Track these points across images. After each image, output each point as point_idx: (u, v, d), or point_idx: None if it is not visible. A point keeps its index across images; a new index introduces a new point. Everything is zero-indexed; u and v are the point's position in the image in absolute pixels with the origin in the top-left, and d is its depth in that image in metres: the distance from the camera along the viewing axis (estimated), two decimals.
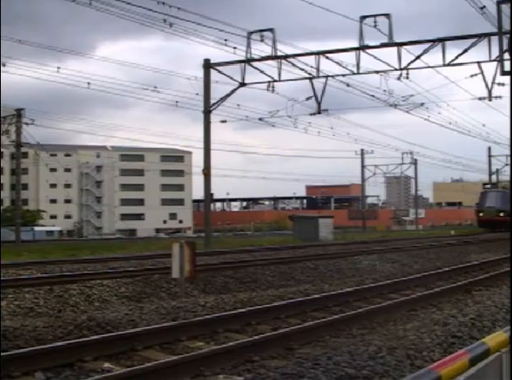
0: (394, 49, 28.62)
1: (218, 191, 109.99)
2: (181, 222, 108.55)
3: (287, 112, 32.29)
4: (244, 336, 9.27)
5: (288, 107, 32.07)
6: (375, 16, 28.00)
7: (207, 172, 31.55)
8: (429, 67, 29.25)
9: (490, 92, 29.25)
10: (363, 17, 28.05)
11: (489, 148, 71.20)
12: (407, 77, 29.52)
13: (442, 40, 28.37)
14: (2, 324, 9.26)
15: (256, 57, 30.11)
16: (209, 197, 33.55)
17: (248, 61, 30.14)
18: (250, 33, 29.38)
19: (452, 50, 28.84)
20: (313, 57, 30.29)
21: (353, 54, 29.20)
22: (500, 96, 31.31)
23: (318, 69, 30.16)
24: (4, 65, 28.83)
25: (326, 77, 30.56)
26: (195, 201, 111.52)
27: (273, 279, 16.97)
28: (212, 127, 31.97)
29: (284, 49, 33.15)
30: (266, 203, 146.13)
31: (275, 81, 30.64)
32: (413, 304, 11.97)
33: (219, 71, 31.42)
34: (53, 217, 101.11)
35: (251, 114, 34.61)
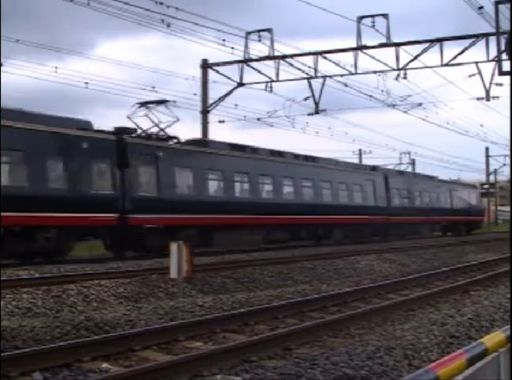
0: (392, 49, 28.68)
1: None
2: None
3: (285, 112, 32.32)
4: (242, 336, 9.27)
5: (286, 107, 32.10)
6: (373, 16, 28.06)
7: None
8: (427, 67, 29.30)
9: (488, 92, 29.30)
10: (361, 18, 28.09)
11: (487, 148, 71.31)
12: (405, 78, 29.58)
13: (440, 40, 28.40)
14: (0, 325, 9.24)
15: (254, 57, 30.13)
16: None
17: (246, 61, 30.15)
18: (248, 33, 29.39)
19: (451, 50, 28.90)
20: (311, 57, 30.32)
21: (351, 54, 29.26)
22: (498, 97, 31.40)
23: (316, 69, 30.19)
24: (2, 65, 28.75)
25: (324, 77, 30.59)
26: None
27: (270, 280, 16.97)
28: (211, 127, 32.01)
29: (282, 49, 33.17)
30: None
31: (273, 81, 30.66)
32: (411, 304, 11.97)
33: (217, 71, 31.44)
34: None
35: (249, 114, 34.61)
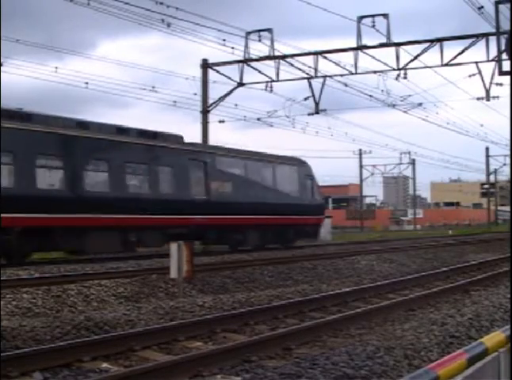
0: (392, 49, 28.69)
1: None
2: None
3: (285, 112, 32.36)
4: (242, 336, 9.27)
5: (286, 107, 32.14)
6: (373, 16, 28.05)
7: None
8: (427, 67, 29.30)
9: (488, 92, 29.30)
10: (361, 17, 28.08)
11: (487, 148, 71.39)
12: (405, 78, 29.59)
13: (440, 40, 28.40)
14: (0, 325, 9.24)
15: (254, 57, 30.14)
16: None
17: (246, 61, 30.15)
18: (248, 33, 29.40)
19: (451, 50, 28.94)
20: (311, 57, 30.33)
21: (351, 54, 29.27)
22: (498, 97, 31.41)
23: (316, 69, 30.20)
24: (2, 65, 28.77)
25: (324, 77, 30.60)
26: None
27: (271, 279, 16.97)
28: (212, 127, 32.01)
29: (282, 49, 33.24)
30: None
31: (273, 81, 30.67)
32: (411, 304, 11.97)
33: (218, 71, 31.44)
34: None
35: (250, 114, 34.64)
